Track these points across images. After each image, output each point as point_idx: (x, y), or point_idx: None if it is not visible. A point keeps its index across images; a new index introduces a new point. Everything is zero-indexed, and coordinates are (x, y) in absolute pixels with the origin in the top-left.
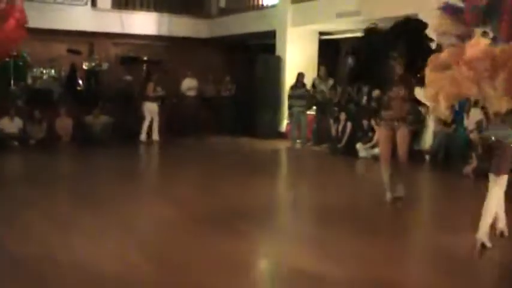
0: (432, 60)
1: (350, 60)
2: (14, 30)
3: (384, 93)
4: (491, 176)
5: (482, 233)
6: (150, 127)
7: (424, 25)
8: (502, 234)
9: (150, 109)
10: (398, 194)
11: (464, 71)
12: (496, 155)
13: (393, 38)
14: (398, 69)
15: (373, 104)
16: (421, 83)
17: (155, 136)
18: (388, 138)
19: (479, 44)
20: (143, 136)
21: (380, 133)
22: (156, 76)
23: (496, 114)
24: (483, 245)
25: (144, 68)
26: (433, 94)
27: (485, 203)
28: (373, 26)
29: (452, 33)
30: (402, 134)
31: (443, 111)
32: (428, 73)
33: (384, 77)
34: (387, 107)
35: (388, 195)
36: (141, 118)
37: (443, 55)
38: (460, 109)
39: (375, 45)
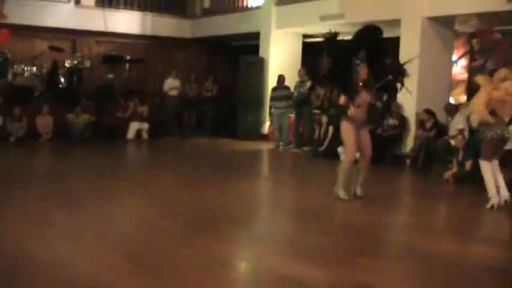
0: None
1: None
2: None
3: (350, 97)
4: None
5: (493, 197)
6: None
7: (381, 33)
8: (505, 202)
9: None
10: (359, 193)
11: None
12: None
13: (356, 45)
14: (363, 74)
15: (335, 108)
16: (384, 90)
17: (144, 135)
18: (355, 136)
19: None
20: (130, 134)
21: (347, 131)
22: (138, 95)
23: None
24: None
25: (126, 67)
26: (483, 104)
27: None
28: (332, 32)
29: None
30: (365, 136)
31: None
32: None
33: (349, 82)
34: (353, 110)
35: (344, 193)
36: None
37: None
38: None
39: (340, 51)
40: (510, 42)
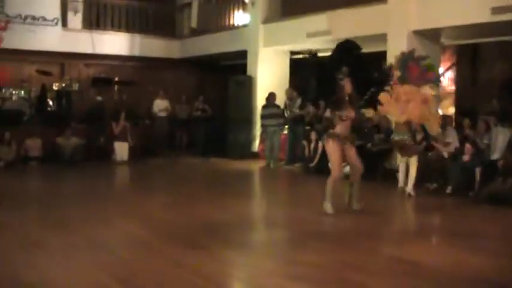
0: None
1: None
2: None
3: (334, 112)
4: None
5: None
6: None
7: (360, 48)
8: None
9: (120, 149)
10: (356, 207)
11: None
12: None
13: (337, 60)
14: (348, 88)
15: (323, 123)
16: (368, 104)
17: (125, 157)
18: (341, 153)
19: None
20: (118, 156)
21: (333, 147)
22: (122, 114)
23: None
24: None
25: (116, 89)
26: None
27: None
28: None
29: None
30: (351, 151)
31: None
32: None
33: (334, 97)
34: (337, 125)
35: (330, 208)
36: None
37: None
38: None
39: (324, 68)
40: (417, 67)
